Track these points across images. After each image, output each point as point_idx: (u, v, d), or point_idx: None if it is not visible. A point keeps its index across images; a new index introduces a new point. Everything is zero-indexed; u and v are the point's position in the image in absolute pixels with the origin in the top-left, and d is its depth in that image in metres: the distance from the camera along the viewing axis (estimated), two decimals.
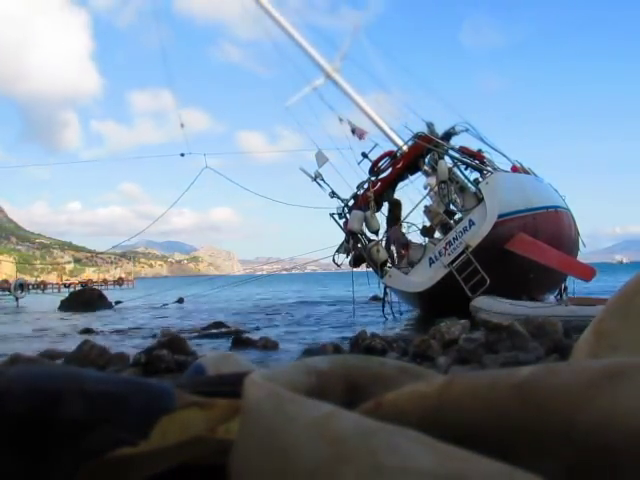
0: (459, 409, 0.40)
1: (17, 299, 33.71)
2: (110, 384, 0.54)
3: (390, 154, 14.48)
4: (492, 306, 9.29)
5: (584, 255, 15.65)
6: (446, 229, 13.29)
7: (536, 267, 11.40)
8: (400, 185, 14.59)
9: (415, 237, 14.47)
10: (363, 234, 13.88)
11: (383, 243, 13.97)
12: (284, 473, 0.37)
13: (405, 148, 14.43)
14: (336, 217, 14.51)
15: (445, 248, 12.34)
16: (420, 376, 0.53)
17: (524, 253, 11.56)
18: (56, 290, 56.48)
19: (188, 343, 7.15)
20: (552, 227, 12.74)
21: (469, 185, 13.26)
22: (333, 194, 14.53)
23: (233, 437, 0.48)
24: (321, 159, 14.55)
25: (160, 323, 13.92)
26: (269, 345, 8.33)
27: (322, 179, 14.44)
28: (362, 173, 14.64)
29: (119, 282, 70.36)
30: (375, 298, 16.56)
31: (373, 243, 13.75)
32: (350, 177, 15.50)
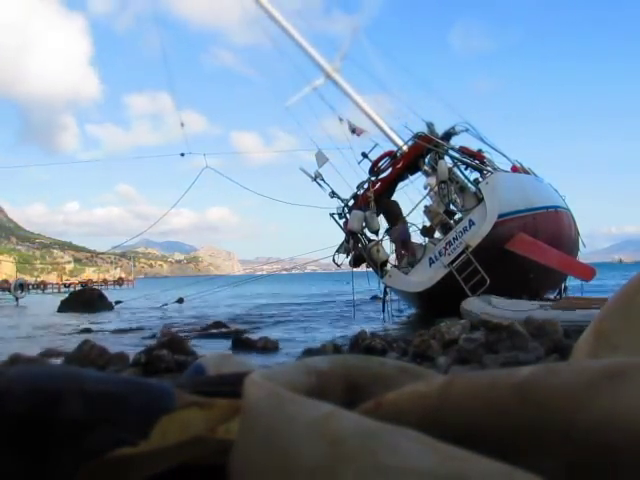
0: (459, 409, 0.40)
1: (17, 299, 33.75)
2: (110, 384, 0.54)
3: (390, 154, 14.48)
4: (482, 309, 9.28)
5: (584, 255, 15.66)
6: (446, 229, 13.30)
7: (536, 267, 11.40)
8: (400, 185, 14.61)
9: (415, 237, 14.50)
10: (363, 234, 13.88)
11: (383, 243, 13.99)
12: (284, 473, 0.37)
13: (405, 148, 14.43)
14: (336, 217, 14.52)
15: (445, 248, 12.34)
16: (420, 376, 0.53)
17: (524, 253, 11.56)
18: (56, 290, 56.53)
19: (188, 343, 7.15)
20: (552, 227, 12.75)
21: (469, 185, 13.27)
22: (333, 194, 14.53)
23: (233, 437, 0.48)
24: (321, 159, 14.56)
25: (160, 323, 13.92)
26: (269, 345, 8.33)
27: (322, 179, 14.45)
28: (362, 173, 14.66)
29: (119, 282, 70.45)
30: (376, 297, 16.58)
31: (373, 243, 13.76)
32: (350, 177, 15.52)
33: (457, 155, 13.71)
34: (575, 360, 0.67)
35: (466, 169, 13.63)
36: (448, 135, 14.19)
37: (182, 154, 16.68)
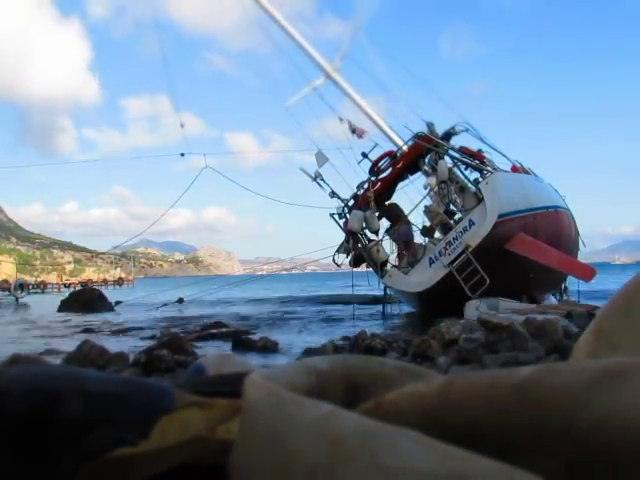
0: (459, 409, 0.40)
1: (17, 299, 33.77)
2: (110, 384, 0.54)
3: (390, 154, 14.48)
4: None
5: (584, 255, 15.67)
6: (446, 229, 13.30)
7: (536, 267, 11.40)
8: (400, 185, 14.61)
9: (415, 237, 14.50)
10: (363, 234, 13.89)
11: (383, 243, 14.00)
12: (284, 473, 0.37)
13: (405, 148, 14.43)
14: (336, 217, 14.52)
15: (445, 248, 12.34)
16: (420, 376, 0.53)
17: (524, 253, 11.56)
18: (56, 290, 56.53)
19: (188, 343, 7.15)
20: (552, 227, 12.75)
21: (469, 185, 13.27)
22: (333, 194, 14.54)
23: (233, 437, 0.48)
24: (321, 159, 14.56)
25: (160, 323, 13.92)
26: (269, 345, 8.32)
27: (322, 179, 14.45)
28: (362, 173, 14.65)
29: (119, 282, 70.48)
30: (375, 298, 16.57)
31: (373, 243, 13.76)
32: (350, 177, 15.50)
33: (457, 155, 13.71)
34: (575, 360, 0.67)
35: (466, 169, 13.63)
36: (448, 135, 14.19)
37: (182, 154, 16.71)
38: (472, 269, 11.57)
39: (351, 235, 13.83)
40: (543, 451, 0.36)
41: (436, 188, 13.27)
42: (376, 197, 13.82)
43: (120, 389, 0.53)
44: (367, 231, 13.90)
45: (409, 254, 13.67)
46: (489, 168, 13.59)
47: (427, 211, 14.37)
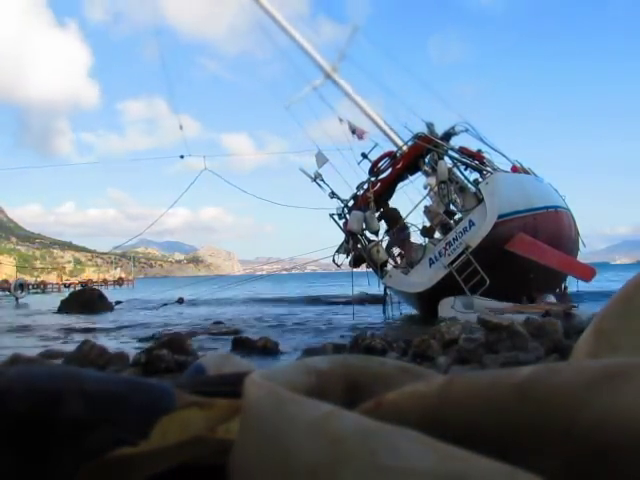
0: (459, 409, 0.40)
1: (17, 299, 33.76)
2: (110, 384, 0.54)
3: (390, 154, 14.48)
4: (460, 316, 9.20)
5: (583, 255, 15.66)
6: (446, 229, 13.30)
7: (536, 267, 11.41)
8: (400, 185, 14.61)
9: (415, 237, 14.51)
10: (363, 234, 13.89)
11: (384, 244, 13.99)
12: (284, 473, 0.37)
13: (405, 148, 14.43)
14: (336, 217, 14.52)
15: (445, 248, 12.35)
16: (420, 376, 0.53)
17: (524, 253, 11.56)
18: (56, 290, 56.48)
19: (188, 343, 7.14)
20: (552, 227, 12.75)
21: (469, 185, 13.27)
22: (333, 194, 14.54)
23: (233, 437, 0.48)
24: (321, 160, 14.56)
25: (160, 323, 13.92)
26: (269, 345, 8.32)
27: (322, 179, 14.45)
28: (362, 173, 14.67)
29: (119, 282, 70.45)
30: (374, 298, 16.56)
31: (373, 243, 13.76)
32: (350, 177, 15.52)
33: (457, 155, 13.72)
34: (575, 360, 0.67)
35: (466, 169, 13.64)
36: (448, 135, 14.19)
37: (182, 156, 16.71)
38: (472, 269, 11.58)
39: (351, 235, 13.83)
40: (543, 451, 0.36)
41: (436, 188, 13.28)
42: (376, 197, 13.82)
43: (120, 389, 0.53)
44: (367, 232, 13.91)
45: (405, 253, 13.68)
46: (489, 168, 13.60)
47: (427, 211, 14.38)
